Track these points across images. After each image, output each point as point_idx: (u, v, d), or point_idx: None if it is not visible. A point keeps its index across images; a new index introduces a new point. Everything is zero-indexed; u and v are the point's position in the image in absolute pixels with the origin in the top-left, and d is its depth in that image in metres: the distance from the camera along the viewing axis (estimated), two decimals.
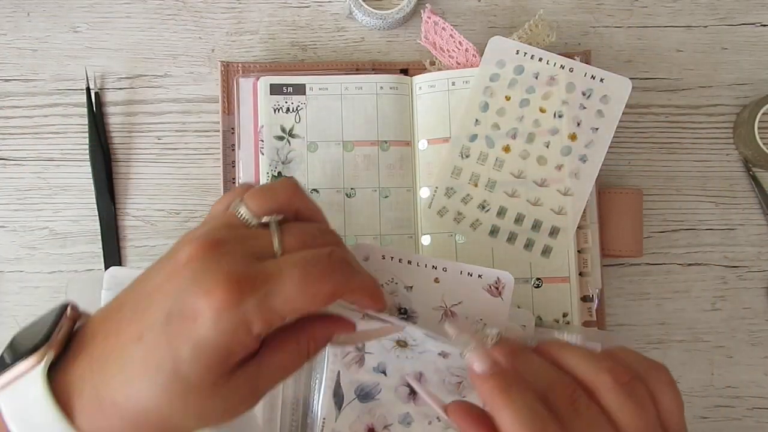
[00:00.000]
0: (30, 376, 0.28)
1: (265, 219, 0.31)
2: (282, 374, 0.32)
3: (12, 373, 0.28)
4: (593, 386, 0.30)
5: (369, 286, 0.32)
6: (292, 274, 0.29)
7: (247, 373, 0.30)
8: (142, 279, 0.30)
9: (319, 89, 0.48)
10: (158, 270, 0.30)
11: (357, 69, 0.50)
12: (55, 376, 0.28)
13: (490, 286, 0.39)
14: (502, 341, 0.32)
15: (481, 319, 0.38)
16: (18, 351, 0.28)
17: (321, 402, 0.40)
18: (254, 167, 0.47)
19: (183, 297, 0.28)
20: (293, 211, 0.32)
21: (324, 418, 0.39)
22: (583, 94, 0.47)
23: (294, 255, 0.30)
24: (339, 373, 0.39)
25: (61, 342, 0.29)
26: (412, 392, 0.39)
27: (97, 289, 0.44)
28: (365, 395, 0.40)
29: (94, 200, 0.50)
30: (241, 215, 0.31)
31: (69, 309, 0.30)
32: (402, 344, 0.39)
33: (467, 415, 0.30)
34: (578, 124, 0.46)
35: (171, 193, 0.51)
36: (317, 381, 0.41)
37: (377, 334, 0.36)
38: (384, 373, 0.39)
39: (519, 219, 0.46)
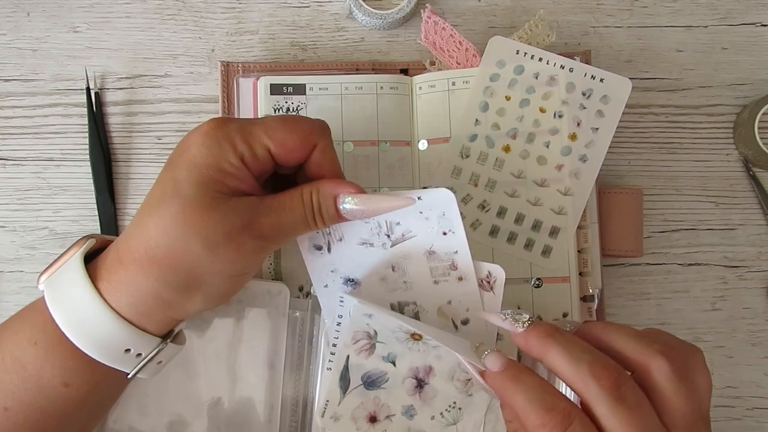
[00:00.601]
0: (71, 261, 0.34)
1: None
2: (286, 218, 0.34)
3: (59, 262, 0.35)
4: (646, 368, 0.30)
5: (333, 158, 0.37)
6: (276, 117, 0.35)
7: (248, 201, 0.33)
8: None
9: (320, 89, 0.48)
10: None
11: (357, 69, 0.50)
12: (94, 262, 0.34)
13: (481, 281, 0.39)
14: (536, 324, 0.33)
15: (518, 306, 0.38)
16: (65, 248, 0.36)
17: (326, 383, 0.39)
18: None
19: (183, 142, 0.34)
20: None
21: (327, 401, 0.39)
22: (583, 94, 0.47)
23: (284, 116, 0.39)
24: (348, 357, 0.39)
25: (104, 239, 0.36)
26: (419, 385, 0.39)
27: None
28: (371, 383, 0.39)
29: (94, 200, 0.50)
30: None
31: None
32: (417, 337, 0.39)
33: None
34: (578, 124, 0.46)
35: None
36: (321, 363, 0.41)
37: (388, 205, 0.36)
38: (393, 363, 0.39)
39: (519, 219, 0.46)
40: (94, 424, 0.38)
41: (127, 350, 0.33)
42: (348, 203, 0.35)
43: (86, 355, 0.32)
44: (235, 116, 0.48)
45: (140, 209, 0.34)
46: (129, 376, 0.34)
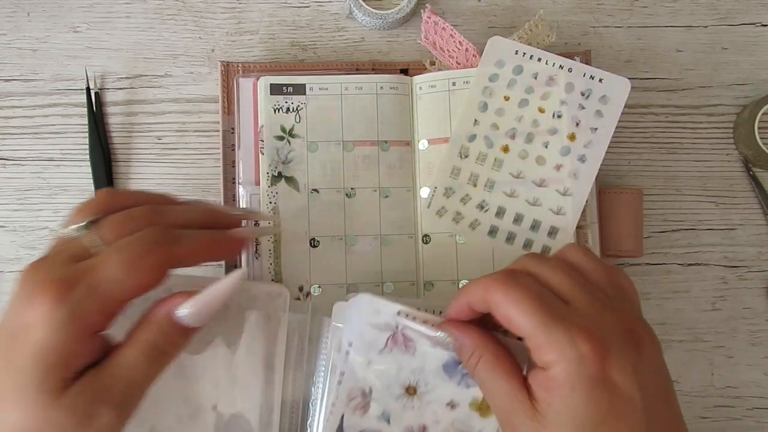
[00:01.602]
0: None
1: (72, 226, 0.31)
2: (135, 374, 0.30)
3: None
4: (564, 255, 0.35)
5: (203, 241, 0.32)
6: (113, 258, 0.29)
7: (92, 374, 0.29)
8: None
9: (320, 89, 0.48)
10: None
11: (357, 69, 0.50)
12: None
13: None
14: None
15: None
16: None
17: None
18: (254, 167, 0.47)
19: (14, 318, 0.28)
20: (117, 209, 0.32)
21: None
22: (582, 94, 0.47)
23: (114, 244, 0.30)
24: (343, 416, 0.39)
25: None
26: None
27: None
28: None
29: None
30: (57, 233, 0.31)
31: None
32: (411, 391, 0.39)
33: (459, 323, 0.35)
34: (577, 125, 0.46)
35: (171, 193, 0.51)
36: (326, 370, 0.41)
37: (227, 286, 0.33)
38: (388, 421, 0.39)
39: (518, 219, 0.46)
40: None
41: None
42: (184, 310, 0.32)
43: None
44: (235, 116, 0.48)
45: None
46: None
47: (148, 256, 0.30)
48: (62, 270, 0.29)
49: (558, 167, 0.46)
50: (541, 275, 0.32)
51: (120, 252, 0.29)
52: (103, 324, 0.29)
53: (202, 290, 0.32)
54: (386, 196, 0.47)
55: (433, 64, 0.50)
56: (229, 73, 0.50)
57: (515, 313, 0.30)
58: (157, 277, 0.30)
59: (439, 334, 0.35)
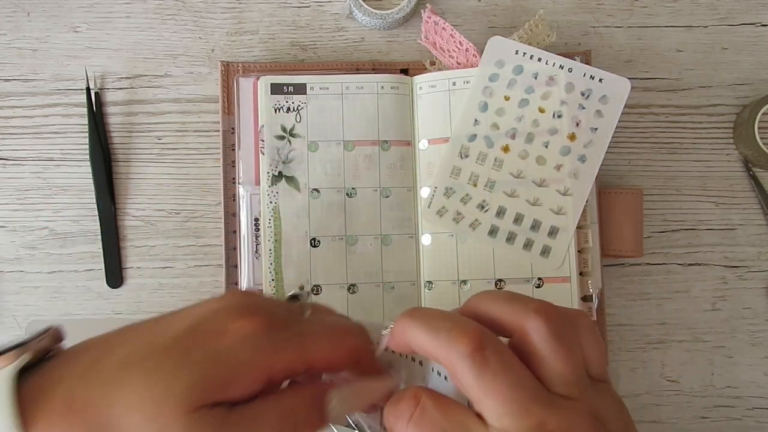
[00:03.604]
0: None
1: (292, 292, 0.33)
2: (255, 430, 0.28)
3: None
4: (522, 330, 0.27)
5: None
6: (321, 326, 0.30)
7: (225, 410, 0.27)
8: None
9: (320, 89, 0.48)
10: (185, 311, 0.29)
11: (357, 69, 0.50)
12: (26, 381, 0.26)
13: None
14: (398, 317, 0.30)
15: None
16: None
17: None
18: (254, 167, 0.47)
19: (209, 320, 0.28)
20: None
21: None
22: (582, 94, 0.47)
23: (327, 317, 0.32)
24: None
25: (40, 350, 0.28)
26: None
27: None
28: None
29: (94, 200, 0.50)
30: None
31: (53, 328, 0.29)
32: None
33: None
34: (577, 125, 0.46)
35: (171, 193, 0.51)
36: None
37: (379, 393, 0.32)
38: None
39: (518, 219, 0.46)
40: None
41: None
42: (335, 404, 0.29)
43: None
44: (235, 116, 0.48)
45: (124, 356, 0.27)
46: None
47: (350, 338, 0.30)
48: (282, 311, 0.30)
49: (558, 167, 0.46)
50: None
51: (328, 324, 0.30)
52: (282, 376, 0.28)
53: (358, 388, 0.31)
54: (387, 196, 0.47)
55: (433, 64, 0.50)
56: (229, 73, 0.50)
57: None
58: (348, 358, 0.30)
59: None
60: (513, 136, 0.47)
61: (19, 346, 0.27)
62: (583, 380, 0.27)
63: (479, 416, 0.26)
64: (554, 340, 0.27)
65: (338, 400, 0.29)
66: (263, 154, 0.47)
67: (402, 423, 0.27)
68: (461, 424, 0.26)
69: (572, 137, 0.46)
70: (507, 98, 0.47)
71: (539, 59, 0.47)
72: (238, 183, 0.47)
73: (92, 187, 0.50)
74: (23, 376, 0.26)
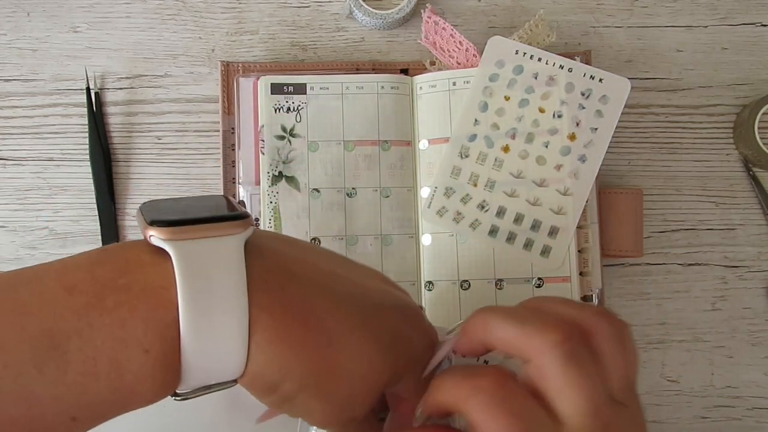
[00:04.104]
0: (226, 241, 0.24)
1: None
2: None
3: (207, 229, 0.24)
4: (589, 331, 0.27)
5: None
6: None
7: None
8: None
9: (320, 89, 0.48)
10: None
11: (357, 69, 0.50)
12: (250, 257, 0.25)
13: None
14: (472, 314, 0.30)
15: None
16: (210, 213, 0.25)
17: None
18: (254, 167, 0.47)
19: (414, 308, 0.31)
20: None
21: None
22: (582, 94, 0.47)
23: None
24: None
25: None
26: None
27: None
28: None
29: (94, 200, 0.50)
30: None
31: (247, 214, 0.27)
32: None
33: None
34: (577, 124, 0.46)
35: (171, 193, 0.51)
36: None
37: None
38: None
39: (518, 219, 0.46)
40: None
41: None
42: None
43: (176, 380, 0.24)
44: (235, 116, 0.48)
45: (342, 296, 0.27)
46: (175, 398, 0.26)
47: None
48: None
49: (558, 167, 0.46)
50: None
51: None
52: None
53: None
54: (387, 196, 0.47)
55: (433, 64, 0.50)
56: (229, 73, 0.50)
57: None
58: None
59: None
60: (513, 136, 0.47)
61: (235, 218, 0.25)
62: (635, 387, 0.27)
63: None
64: (619, 343, 0.27)
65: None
66: (263, 154, 0.47)
67: (480, 398, 0.25)
68: (537, 413, 0.25)
69: (572, 137, 0.46)
70: (507, 98, 0.47)
71: (539, 59, 0.47)
72: (238, 183, 0.47)
73: (92, 187, 0.50)
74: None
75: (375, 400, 0.28)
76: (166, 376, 0.23)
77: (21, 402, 0.21)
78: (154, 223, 0.23)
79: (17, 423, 0.21)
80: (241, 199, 0.47)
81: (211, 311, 0.23)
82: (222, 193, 0.28)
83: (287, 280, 0.26)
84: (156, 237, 0.23)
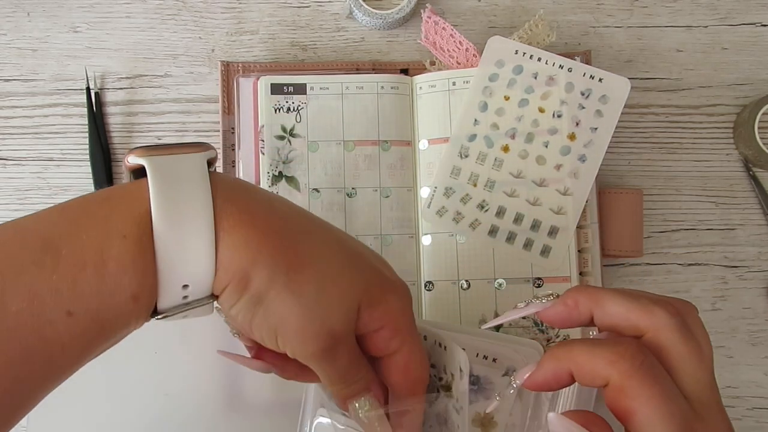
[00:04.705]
0: (191, 156, 0.28)
1: None
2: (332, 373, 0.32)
3: (175, 148, 0.28)
4: (653, 329, 0.28)
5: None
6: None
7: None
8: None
9: (320, 89, 0.48)
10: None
11: (357, 69, 0.50)
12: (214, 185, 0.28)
13: None
14: (577, 287, 0.30)
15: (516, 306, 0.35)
16: (174, 144, 0.29)
17: None
18: (254, 167, 0.47)
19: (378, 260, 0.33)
20: None
21: None
22: (582, 94, 0.47)
23: None
24: None
25: (213, 159, 0.30)
26: None
27: None
28: None
29: None
30: None
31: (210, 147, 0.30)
32: None
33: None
34: (577, 124, 0.46)
35: None
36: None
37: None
38: None
39: (518, 219, 0.46)
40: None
41: (185, 286, 0.28)
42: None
43: (154, 274, 0.27)
44: (235, 116, 0.48)
45: (314, 227, 0.31)
46: (157, 318, 0.28)
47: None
48: None
49: (558, 167, 0.46)
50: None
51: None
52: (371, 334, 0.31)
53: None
54: (387, 196, 0.47)
55: (433, 64, 0.50)
56: (229, 73, 0.50)
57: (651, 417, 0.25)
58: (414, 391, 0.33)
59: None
60: (513, 136, 0.47)
61: (199, 144, 0.29)
62: (714, 386, 0.28)
63: None
64: (687, 339, 0.28)
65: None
66: (263, 154, 0.47)
67: (625, 365, 0.26)
68: (670, 380, 0.27)
69: (572, 137, 0.46)
70: (507, 98, 0.47)
71: (539, 59, 0.47)
72: None
73: (92, 187, 0.50)
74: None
75: (352, 315, 0.30)
76: (145, 264, 0.26)
77: (23, 297, 0.25)
78: (130, 151, 0.28)
79: (22, 316, 0.24)
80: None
81: (178, 201, 0.27)
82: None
83: (248, 190, 0.30)
84: (133, 156, 0.28)
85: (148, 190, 0.27)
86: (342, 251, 0.30)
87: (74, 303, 0.26)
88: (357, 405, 0.31)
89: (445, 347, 0.34)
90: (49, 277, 0.25)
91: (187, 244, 0.27)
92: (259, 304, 0.28)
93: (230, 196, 0.28)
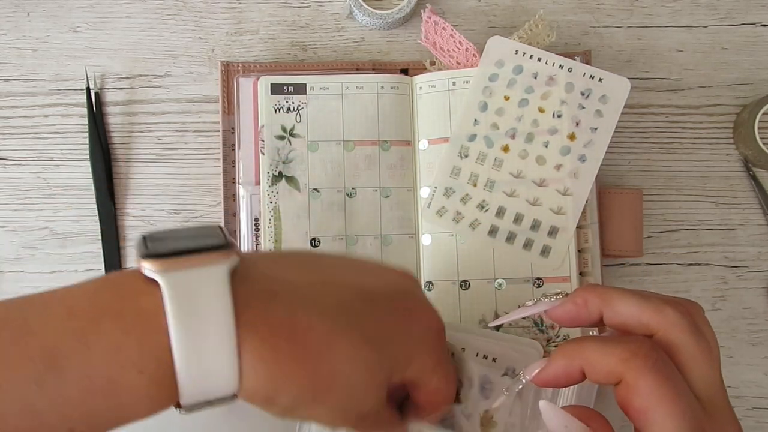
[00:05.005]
0: (212, 269, 0.26)
1: None
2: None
3: (195, 259, 0.26)
4: (663, 328, 0.27)
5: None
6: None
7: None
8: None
9: (320, 89, 0.48)
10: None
11: (357, 69, 0.50)
12: (234, 284, 0.26)
13: None
14: (585, 286, 0.31)
15: (518, 306, 0.34)
16: (198, 244, 0.26)
17: None
18: (254, 167, 0.47)
19: (415, 294, 0.33)
20: None
21: None
22: (582, 94, 0.47)
23: None
24: None
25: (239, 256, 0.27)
26: None
27: None
28: None
29: (94, 200, 0.50)
30: None
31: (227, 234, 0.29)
32: None
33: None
34: (577, 124, 0.46)
35: (171, 193, 0.51)
36: None
37: None
38: None
39: (518, 219, 0.46)
40: None
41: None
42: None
43: (173, 397, 0.26)
44: (235, 116, 0.48)
45: (338, 301, 0.29)
46: (183, 412, 0.27)
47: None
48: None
49: (558, 167, 0.46)
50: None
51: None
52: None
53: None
54: (387, 196, 0.47)
55: (433, 64, 0.50)
56: (229, 73, 0.50)
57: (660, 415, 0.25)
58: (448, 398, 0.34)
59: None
60: (513, 136, 0.47)
61: (221, 248, 0.26)
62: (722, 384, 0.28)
63: None
64: (697, 338, 0.27)
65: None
66: (263, 154, 0.47)
67: (638, 362, 0.26)
68: (681, 378, 0.27)
69: (572, 137, 0.46)
70: (507, 98, 0.47)
71: (539, 59, 0.47)
72: (238, 183, 0.47)
73: (92, 187, 0.50)
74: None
75: (381, 392, 0.29)
76: (161, 395, 0.25)
77: (23, 414, 0.23)
78: (144, 257, 0.26)
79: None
80: (239, 203, 0.47)
81: (199, 334, 0.25)
82: (218, 224, 0.30)
83: (271, 300, 0.27)
84: (147, 269, 0.25)
85: (165, 316, 0.24)
86: (362, 337, 0.28)
87: (79, 423, 0.24)
88: None
89: (452, 354, 0.35)
90: (52, 400, 0.23)
91: (210, 378, 0.25)
92: (288, 412, 0.28)
93: (253, 318, 0.26)
